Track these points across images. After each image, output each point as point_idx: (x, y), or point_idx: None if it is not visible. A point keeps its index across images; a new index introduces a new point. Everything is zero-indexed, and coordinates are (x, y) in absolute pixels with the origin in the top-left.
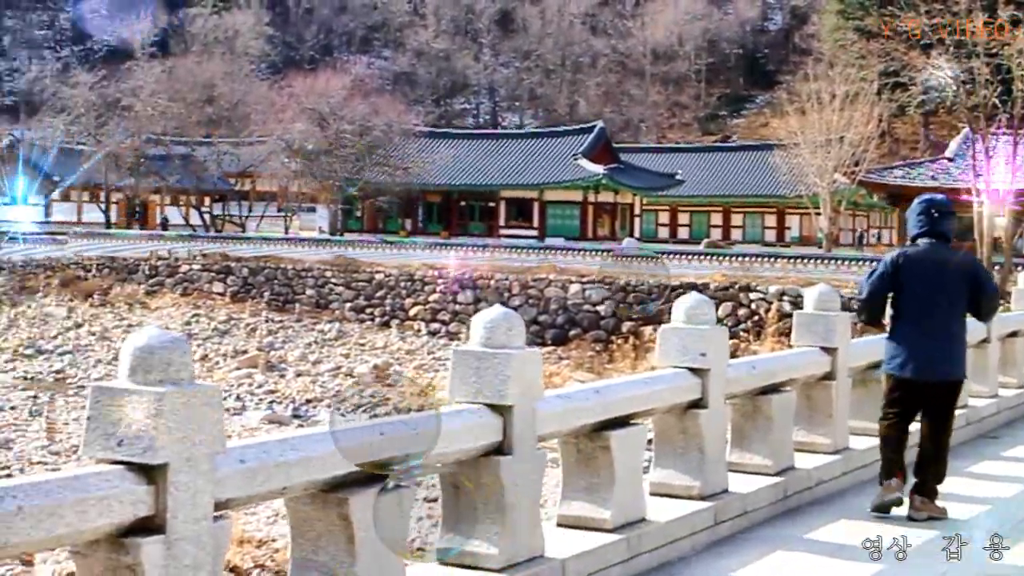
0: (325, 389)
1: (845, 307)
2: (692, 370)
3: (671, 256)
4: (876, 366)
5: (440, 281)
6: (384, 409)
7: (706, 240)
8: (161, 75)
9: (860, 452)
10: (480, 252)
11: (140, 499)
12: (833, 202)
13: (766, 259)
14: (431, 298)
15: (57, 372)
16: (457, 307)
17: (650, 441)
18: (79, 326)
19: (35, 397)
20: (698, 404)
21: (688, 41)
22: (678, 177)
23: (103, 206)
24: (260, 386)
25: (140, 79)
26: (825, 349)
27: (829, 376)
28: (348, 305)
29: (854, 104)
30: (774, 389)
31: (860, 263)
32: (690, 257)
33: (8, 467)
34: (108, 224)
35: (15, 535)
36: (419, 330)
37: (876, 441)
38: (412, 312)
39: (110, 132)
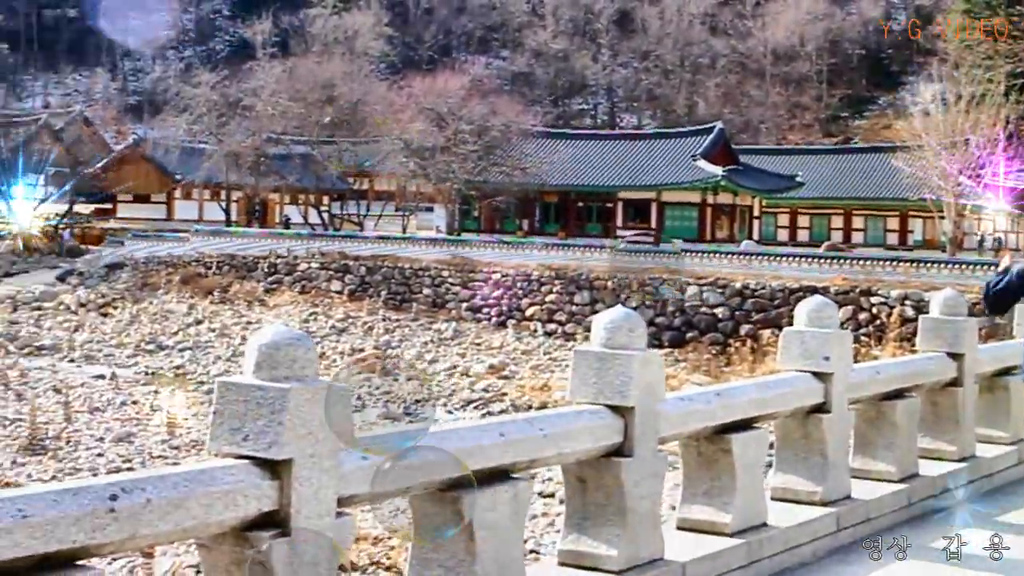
0: (441, 388)
1: (971, 312)
2: (815, 374)
3: (790, 259)
4: (1004, 372)
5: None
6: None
7: (827, 243)
8: (281, 75)
9: (987, 460)
10: (597, 253)
11: (265, 493)
12: (958, 206)
13: (888, 263)
14: (548, 298)
15: (177, 367)
16: (574, 308)
17: (771, 445)
18: (199, 322)
19: (156, 392)
20: (821, 408)
21: (809, 41)
22: (798, 179)
23: (223, 204)
24: (376, 385)
25: (261, 79)
26: (951, 355)
27: (955, 382)
28: (464, 305)
29: (980, 106)
30: (899, 395)
31: (984, 267)
32: (810, 260)
33: (130, 460)
34: (228, 222)
35: (144, 527)
36: (535, 330)
37: (1005, 449)
38: (528, 312)
39: (231, 131)
